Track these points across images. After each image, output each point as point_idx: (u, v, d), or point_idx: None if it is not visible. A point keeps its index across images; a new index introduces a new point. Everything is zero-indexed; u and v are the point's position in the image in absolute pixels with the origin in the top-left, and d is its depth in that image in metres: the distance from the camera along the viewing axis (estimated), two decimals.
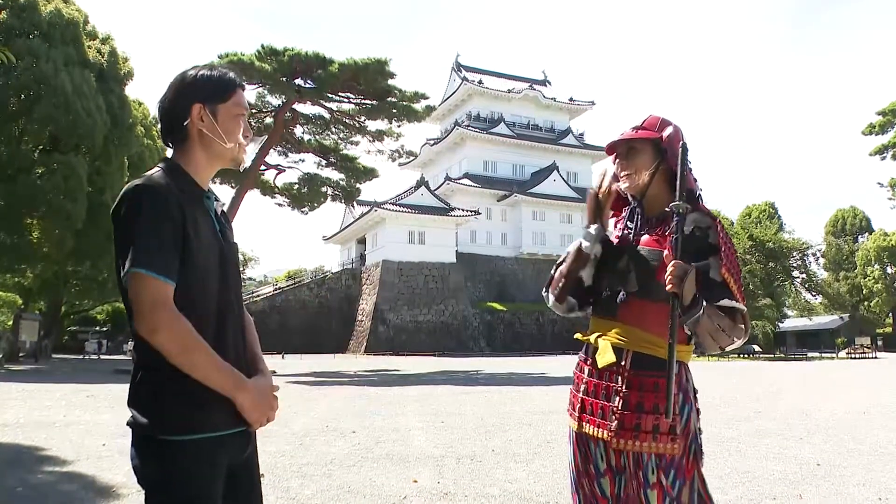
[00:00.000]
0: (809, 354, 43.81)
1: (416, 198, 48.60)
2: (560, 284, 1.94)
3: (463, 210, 49.95)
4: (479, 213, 51.75)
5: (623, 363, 1.80)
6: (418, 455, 5.81)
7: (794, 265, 43.52)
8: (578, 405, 1.88)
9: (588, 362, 1.90)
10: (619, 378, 1.80)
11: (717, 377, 19.04)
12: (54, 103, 19.75)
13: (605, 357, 1.80)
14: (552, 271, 2.01)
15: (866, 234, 61.02)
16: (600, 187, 1.90)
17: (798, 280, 44.40)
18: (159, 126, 1.59)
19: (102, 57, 23.22)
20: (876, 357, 40.33)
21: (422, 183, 49.71)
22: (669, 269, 1.68)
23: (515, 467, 5.27)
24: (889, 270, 54.69)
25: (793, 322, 58.52)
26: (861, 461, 5.55)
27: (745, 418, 8.63)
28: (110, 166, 22.86)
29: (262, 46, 24.17)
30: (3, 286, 30.33)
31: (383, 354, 40.92)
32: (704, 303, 1.71)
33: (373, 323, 44.25)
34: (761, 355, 43.16)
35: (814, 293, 47.21)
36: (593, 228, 1.87)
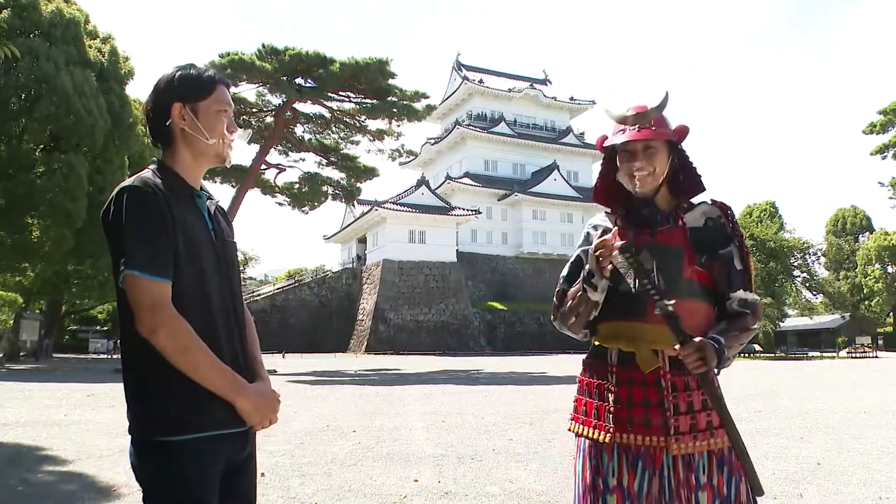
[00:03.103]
0: (810, 354, 43.78)
1: (416, 197, 48.61)
2: (573, 321, 1.89)
3: (463, 209, 49.94)
4: (480, 213, 51.73)
5: (663, 366, 1.75)
6: (419, 454, 5.81)
7: (795, 264, 43.47)
8: (611, 416, 1.78)
9: (614, 369, 1.81)
10: (662, 381, 1.74)
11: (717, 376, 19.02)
12: (55, 102, 19.75)
13: (650, 362, 1.73)
14: (555, 299, 1.95)
15: (867, 233, 60.97)
16: (600, 247, 1.79)
17: (799, 279, 44.35)
18: (147, 128, 1.61)
19: (103, 56, 23.22)
20: (877, 356, 40.28)
21: (422, 182, 49.71)
22: (687, 356, 1.63)
23: (516, 466, 5.27)
24: (890, 270, 54.62)
25: (793, 321, 58.46)
26: (861, 460, 5.55)
27: (745, 418, 8.62)
28: (111, 165, 22.86)
29: (263, 46, 24.17)
30: (4, 285, 30.33)
31: (384, 354, 40.93)
32: (724, 343, 1.69)
33: (373, 322, 44.26)
34: (762, 354, 43.15)
35: (814, 292, 47.15)
36: (601, 283, 1.79)
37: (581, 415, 1.89)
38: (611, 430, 1.77)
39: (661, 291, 1.70)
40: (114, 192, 1.43)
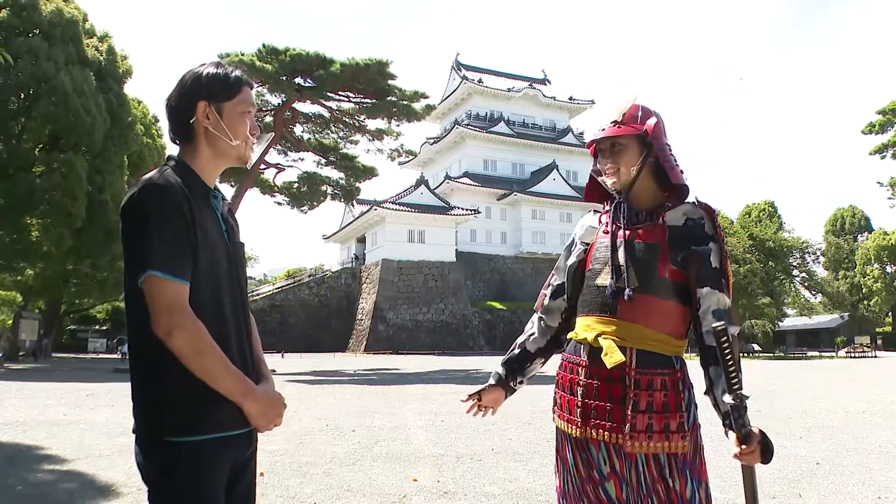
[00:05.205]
0: (809, 353, 43.82)
1: (415, 196, 48.60)
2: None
3: (463, 209, 49.93)
4: (479, 212, 51.73)
5: (629, 363, 1.74)
6: (418, 454, 5.82)
7: (794, 264, 43.50)
8: (579, 410, 1.81)
9: (584, 363, 1.83)
10: (626, 378, 1.74)
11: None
12: (54, 102, 19.76)
13: (614, 357, 1.71)
14: (537, 303, 2.21)
15: (866, 233, 60.99)
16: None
17: (798, 279, 44.37)
18: (167, 124, 1.58)
19: (101, 55, 23.22)
20: (875, 356, 40.31)
21: (421, 182, 49.70)
22: (742, 455, 1.55)
23: (515, 466, 5.27)
24: (889, 269, 54.67)
25: (792, 321, 58.49)
26: (860, 460, 5.55)
27: None
28: (110, 165, 22.87)
29: (263, 46, 24.16)
30: (3, 285, 30.33)
31: (383, 353, 40.93)
32: (741, 389, 1.58)
33: (372, 322, 44.25)
34: (761, 354, 43.16)
35: (813, 292, 47.19)
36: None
37: (558, 408, 1.92)
38: (578, 424, 1.80)
39: (633, 287, 1.75)
40: (136, 188, 1.41)
